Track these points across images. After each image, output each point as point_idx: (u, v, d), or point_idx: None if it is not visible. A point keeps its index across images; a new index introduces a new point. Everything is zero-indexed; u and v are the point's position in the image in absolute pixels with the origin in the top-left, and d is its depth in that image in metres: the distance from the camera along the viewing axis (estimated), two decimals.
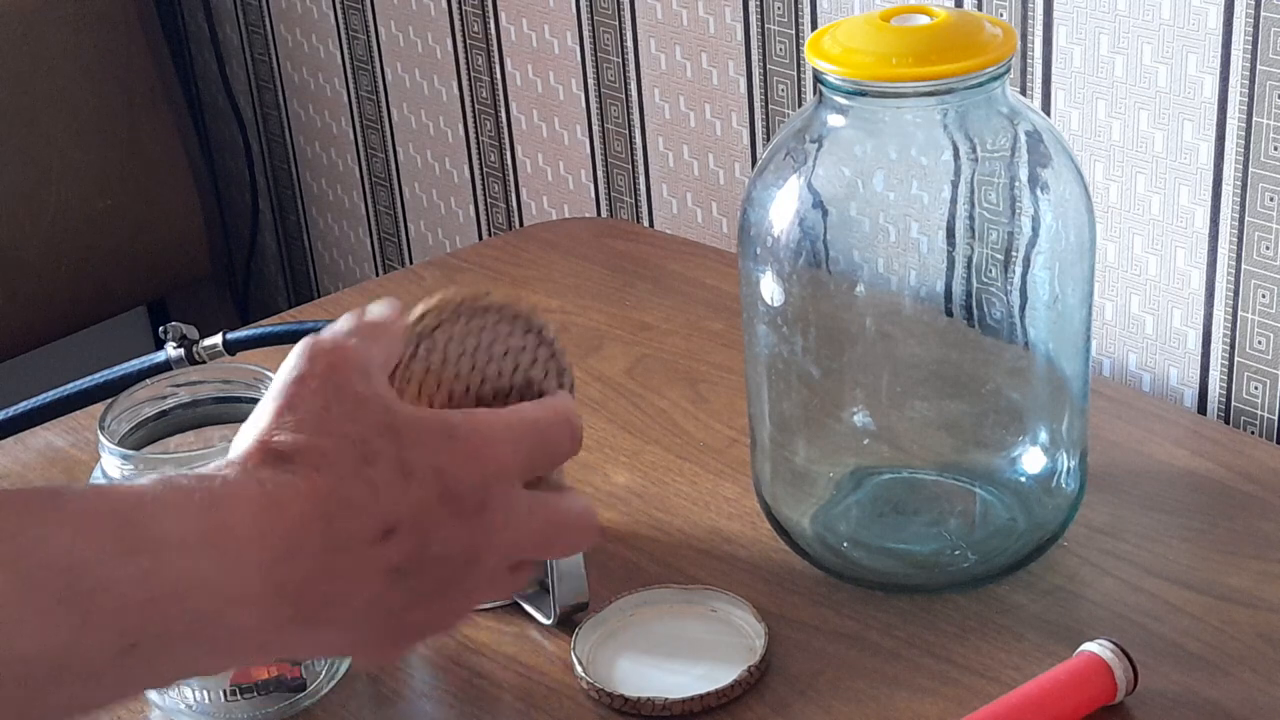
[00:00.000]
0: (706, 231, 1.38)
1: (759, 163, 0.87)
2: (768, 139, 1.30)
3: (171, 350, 1.08)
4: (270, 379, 0.73)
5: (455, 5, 1.52)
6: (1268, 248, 1.01)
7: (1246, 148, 1.00)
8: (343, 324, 0.63)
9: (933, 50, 0.79)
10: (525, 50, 1.47)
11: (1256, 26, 0.97)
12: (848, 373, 0.90)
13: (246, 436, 0.60)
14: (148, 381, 0.85)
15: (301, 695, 0.83)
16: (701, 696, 0.80)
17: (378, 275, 1.78)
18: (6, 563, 0.53)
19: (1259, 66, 0.98)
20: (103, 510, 0.56)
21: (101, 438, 0.80)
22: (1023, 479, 0.90)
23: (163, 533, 0.56)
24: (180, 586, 0.55)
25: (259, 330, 1.11)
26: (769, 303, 0.86)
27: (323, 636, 0.60)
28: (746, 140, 1.32)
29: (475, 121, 1.57)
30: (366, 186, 1.75)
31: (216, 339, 1.09)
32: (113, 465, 0.80)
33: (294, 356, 0.61)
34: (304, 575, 0.58)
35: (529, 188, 1.55)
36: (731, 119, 1.32)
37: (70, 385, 1.08)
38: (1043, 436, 0.90)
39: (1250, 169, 1.01)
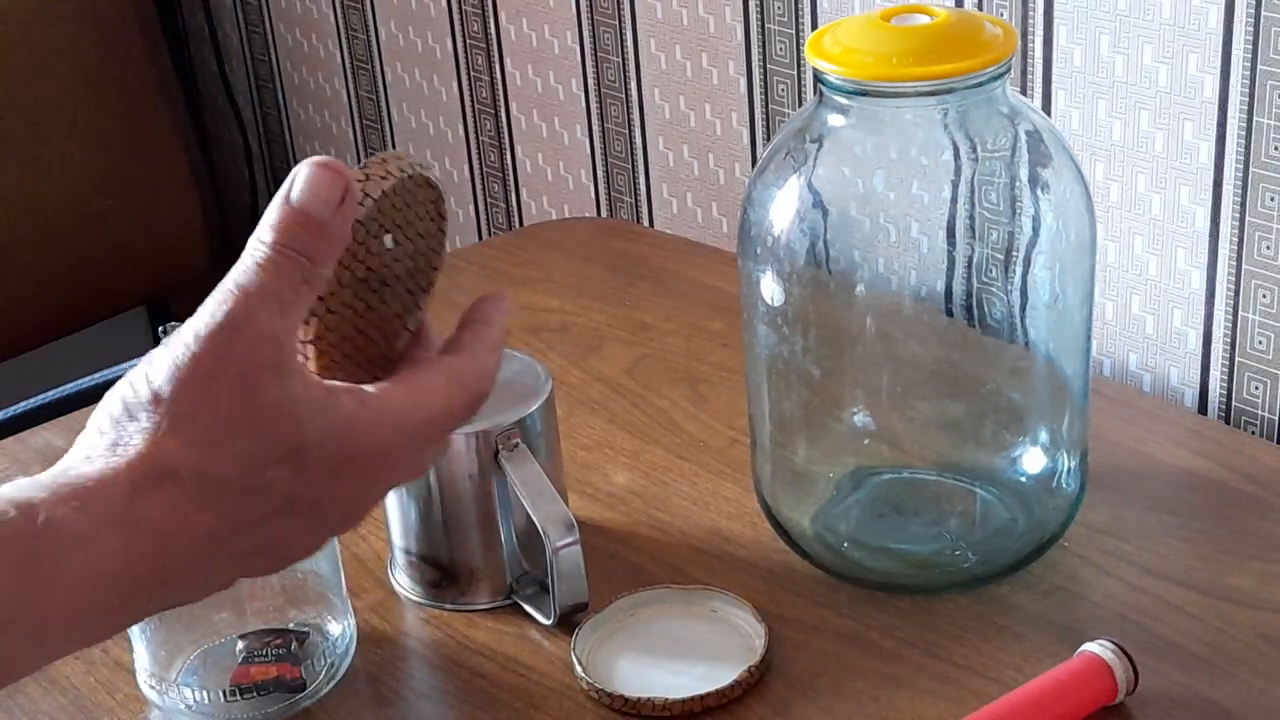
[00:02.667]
0: (706, 231, 1.38)
1: (759, 163, 0.87)
2: (768, 139, 1.30)
3: None
4: None
5: (455, 5, 1.52)
6: (1268, 248, 1.01)
7: (1247, 148, 1.00)
8: (261, 279, 0.60)
9: (933, 50, 0.79)
10: (525, 50, 1.47)
11: (1257, 26, 0.97)
12: (848, 373, 0.90)
13: (138, 416, 0.59)
14: None
15: (301, 695, 0.83)
16: (701, 696, 0.80)
17: None
18: None
19: (1259, 66, 0.98)
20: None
21: None
22: (1023, 479, 0.90)
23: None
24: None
25: None
26: (769, 303, 0.86)
27: (153, 609, 0.62)
28: (746, 140, 1.31)
29: (475, 121, 1.57)
30: None
31: None
32: None
33: (210, 328, 0.59)
34: (152, 586, 0.59)
35: (529, 188, 1.55)
36: (731, 119, 1.32)
37: (70, 385, 1.08)
38: (1043, 436, 0.90)
39: (1251, 169, 1.00)
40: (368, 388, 0.63)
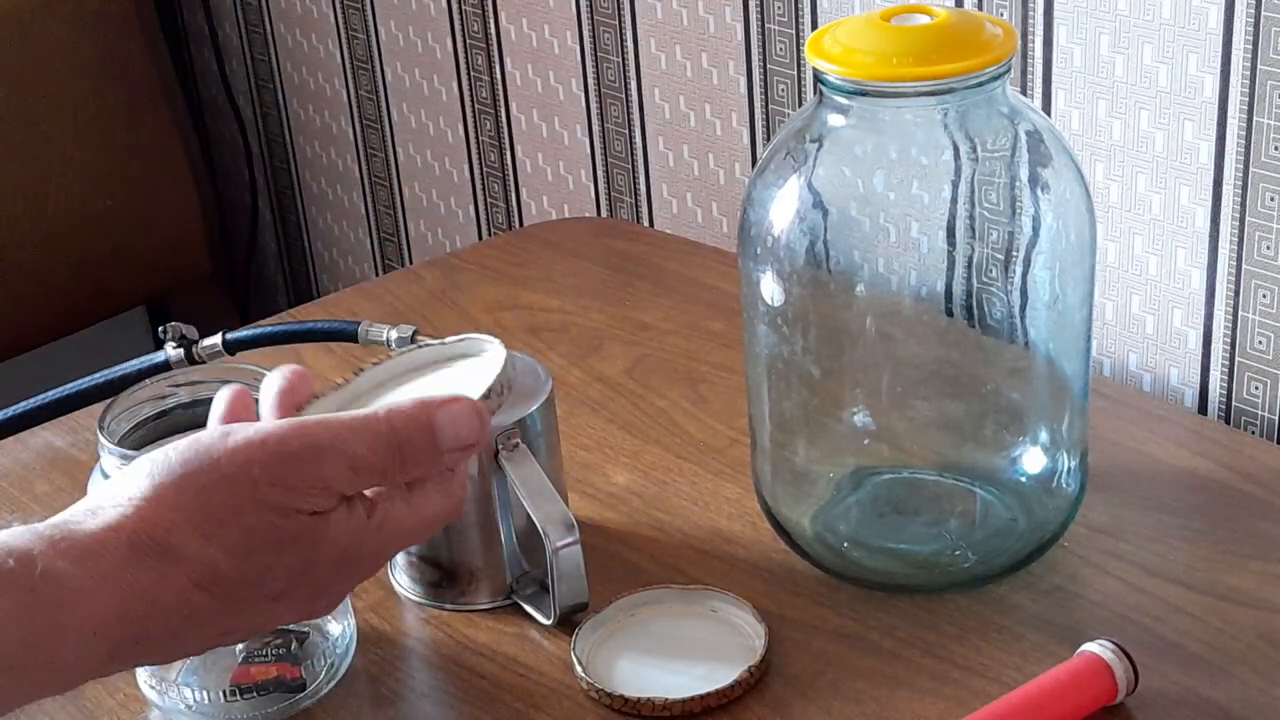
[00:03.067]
0: (706, 231, 1.38)
1: (759, 163, 0.87)
2: (768, 139, 1.30)
3: (171, 350, 1.07)
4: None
5: (455, 5, 1.52)
6: (1268, 248, 1.01)
7: (1247, 148, 1.00)
8: (356, 438, 0.65)
9: (933, 50, 0.79)
10: (525, 50, 1.47)
11: (1257, 26, 0.97)
12: (848, 373, 0.90)
13: (159, 498, 0.63)
14: (147, 381, 0.85)
15: (301, 695, 0.83)
16: (701, 696, 0.80)
17: (378, 275, 1.78)
18: None
19: (1260, 66, 0.98)
20: None
21: (101, 438, 0.80)
22: (1023, 479, 0.90)
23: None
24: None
25: (259, 330, 1.11)
26: (769, 303, 0.86)
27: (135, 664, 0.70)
28: (746, 140, 1.31)
29: (475, 121, 1.57)
30: (366, 186, 1.75)
31: (216, 339, 1.09)
32: (112, 465, 0.79)
33: (252, 463, 0.64)
34: (139, 645, 0.63)
35: (529, 188, 1.55)
36: (731, 119, 1.32)
37: (70, 385, 1.08)
38: (1043, 436, 0.90)
39: (1251, 169, 1.00)
40: (381, 501, 0.68)
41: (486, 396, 0.71)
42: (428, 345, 0.77)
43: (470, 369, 0.76)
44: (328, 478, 0.64)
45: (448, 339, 0.77)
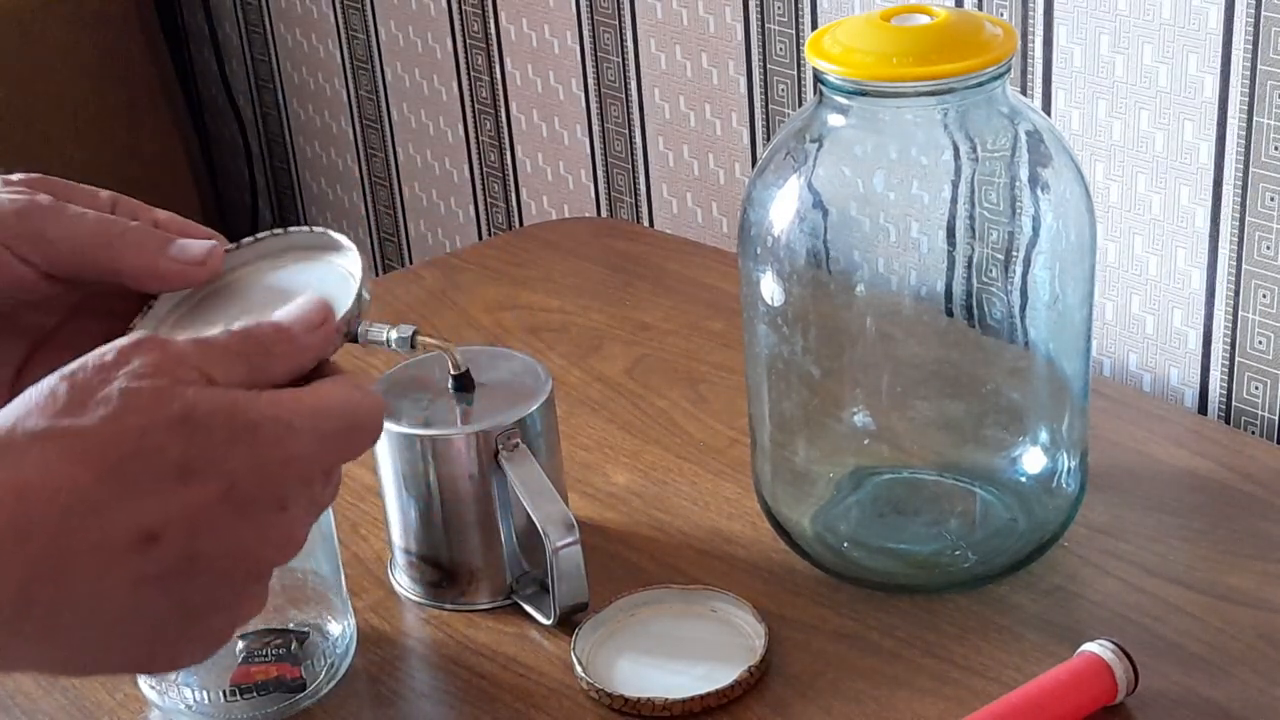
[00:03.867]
0: (706, 231, 1.38)
1: (759, 163, 0.87)
2: (768, 139, 1.30)
3: None
4: None
5: (455, 5, 1.52)
6: (1268, 248, 1.01)
7: (1247, 148, 1.00)
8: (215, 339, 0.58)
9: (933, 50, 0.79)
10: (525, 50, 1.47)
11: (1257, 26, 0.97)
12: (848, 373, 0.90)
13: (13, 410, 0.53)
14: None
15: (301, 695, 0.83)
16: (701, 696, 0.80)
17: (378, 275, 1.78)
18: None
19: (1259, 66, 0.98)
20: None
21: None
22: (1023, 479, 0.90)
23: None
24: None
25: None
26: (769, 303, 0.86)
27: (60, 651, 0.54)
28: (746, 140, 1.31)
29: (475, 121, 1.57)
30: (366, 186, 1.75)
31: None
32: None
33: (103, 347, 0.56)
34: (24, 579, 0.52)
35: (529, 188, 1.55)
36: (731, 119, 1.32)
37: None
38: (1043, 436, 0.90)
39: (1251, 169, 1.00)
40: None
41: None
42: (271, 237, 0.70)
43: (318, 276, 0.68)
44: (181, 352, 0.56)
45: (292, 229, 0.70)
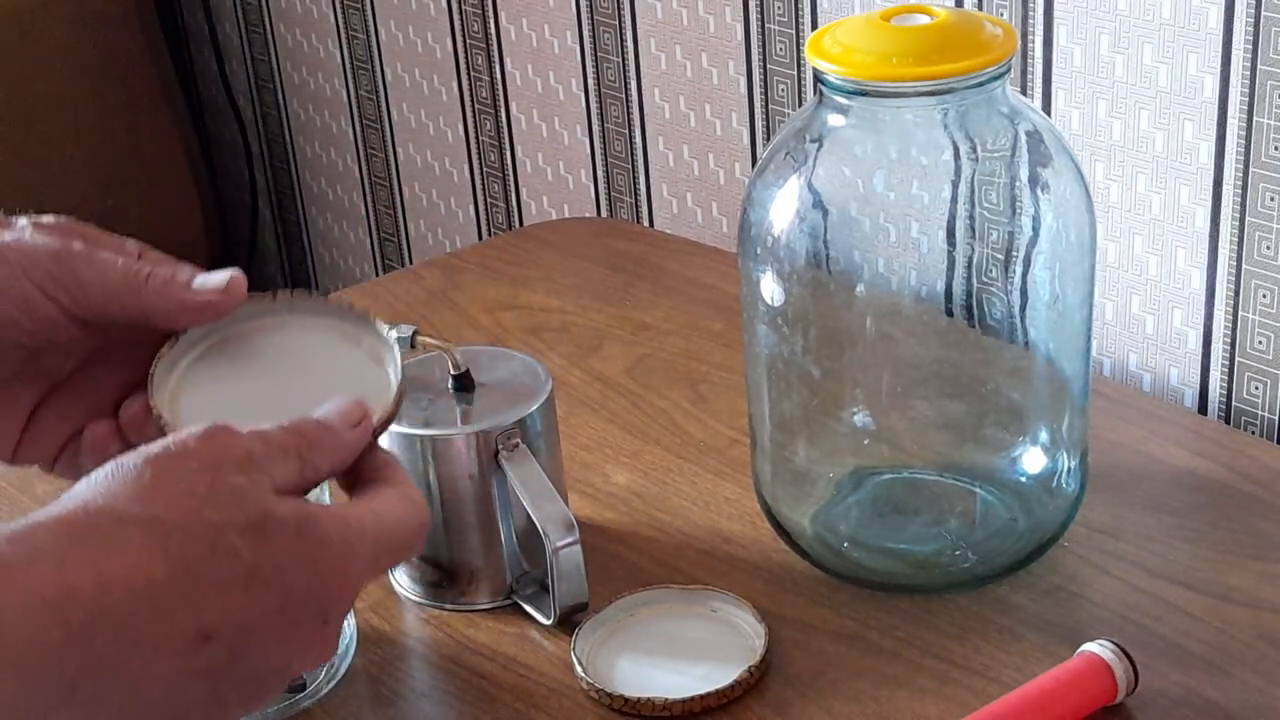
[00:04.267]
0: (706, 231, 1.38)
1: (759, 163, 0.87)
2: (768, 139, 1.30)
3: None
4: None
5: (455, 5, 1.52)
6: (1268, 248, 1.01)
7: (1247, 148, 1.00)
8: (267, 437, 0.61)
9: (933, 50, 0.79)
10: (525, 50, 1.47)
11: (1257, 26, 0.97)
12: (848, 373, 0.90)
13: (96, 489, 0.56)
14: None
15: (301, 695, 0.83)
16: (701, 696, 0.80)
17: (378, 275, 1.78)
18: None
19: (1259, 66, 0.98)
20: None
21: None
22: (1023, 479, 0.90)
23: None
24: None
25: None
26: (769, 303, 0.86)
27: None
28: (746, 140, 1.31)
29: (475, 121, 1.57)
30: (366, 186, 1.75)
31: None
32: None
33: (181, 433, 0.59)
34: (78, 676, 0.53)
35: (529, 188, 1.55)
36: (731, 119, 1.32)
37: None
38: (1043, 436, 0.90)
39: (1251, 169, 1.00)
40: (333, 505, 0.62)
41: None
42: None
43: (346, 357, 0.70)
44: (245, 444, 0.59)
45: (335, 299, 0.70)
